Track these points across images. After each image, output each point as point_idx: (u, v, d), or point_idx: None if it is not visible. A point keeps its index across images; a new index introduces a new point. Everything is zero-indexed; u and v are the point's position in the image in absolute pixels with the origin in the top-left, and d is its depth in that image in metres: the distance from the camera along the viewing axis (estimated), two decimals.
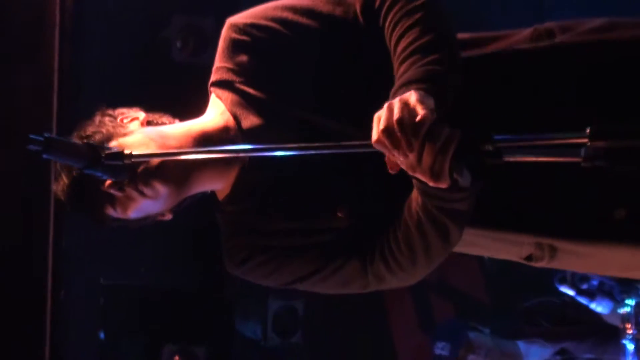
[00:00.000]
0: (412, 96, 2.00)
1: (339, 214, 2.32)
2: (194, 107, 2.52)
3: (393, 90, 2.11)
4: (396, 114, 1.96)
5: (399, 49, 2.20)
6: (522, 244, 2.41)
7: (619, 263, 2.42)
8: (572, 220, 2.30)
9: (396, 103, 1.99)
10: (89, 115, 2.46)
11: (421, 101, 1.98)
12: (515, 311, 5.95)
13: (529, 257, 2.43)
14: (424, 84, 2.06)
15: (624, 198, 2.26)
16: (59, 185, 2.39)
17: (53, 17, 4.39)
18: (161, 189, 2.32)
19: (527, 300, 5.90)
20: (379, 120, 1.99)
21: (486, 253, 2.64)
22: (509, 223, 2.34)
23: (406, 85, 2.08)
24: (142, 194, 2.30)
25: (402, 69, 2.15)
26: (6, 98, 4.31)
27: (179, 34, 5.37)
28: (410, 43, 2.18)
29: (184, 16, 5.39)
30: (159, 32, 5.44)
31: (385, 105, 2.01)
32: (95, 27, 5.07)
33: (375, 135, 1.98)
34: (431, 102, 2.02)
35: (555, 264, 2.44)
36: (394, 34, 2.24)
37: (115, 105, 2.50)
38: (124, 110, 2.48)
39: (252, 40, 2.38)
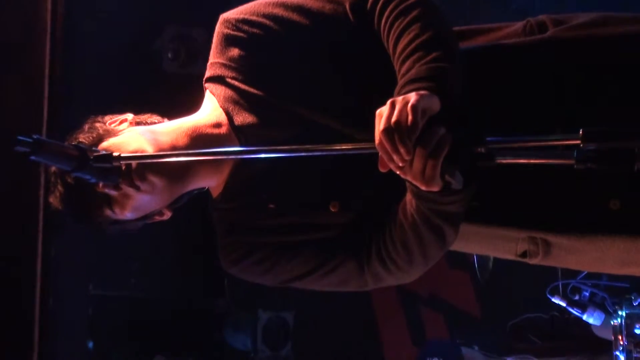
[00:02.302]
0: (412, 98, 1.99)
1: (332, 209, 2.31)
2: (186, 115, 2.50)
3: (397, 88, 2.10)
4: (395, 115, 1.96)
5: (400, 47, 2.19)
6: (516, 239, 2.40)
7: (615, 258, 2.38)
8: (566, 212, 2.29)
9: (398, 102, 1.98)
10: (79, 123, 2.46)
11: (419, 103, 1.97)
12: (505, 327, 5.94)
13: (523, 254, 2.42)
14: (429, 82, 2.06)
15: (618, 189, 2.24)
16: (55, 196, 2.38)
17: (44, 23, 4.38)
18: (157, 181, 2.30)
19: (517, 316, 5.89)
20: (381, 117, 1.98)
21: (481, 251, 2.63)
22: (502, 217, 2.33)
23: (410, 84, 2.07)
24: (138, 188, 2.28)
25: (404, 67, 2.14)
26: None
27: (170, 44, 5.37)
28: (411, 41, 2.17)
29: (176, 26, 5.39)
30: (151, 41, 5.44)
31: (388, 102, 2.00)
32: (87, 34, 5.06)
33: (377, 137, 1.97)
34: (435, 102, 2.02)
35: (550, 261, 2.42)
36: (392, 33, 2.23)
37: (105, 113, 2.50)
38: (112, 115, 2.47)
39: (245, 36, 2.38)
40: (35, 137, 2.04)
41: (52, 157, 2.10)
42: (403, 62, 2.16)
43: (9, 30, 4.36)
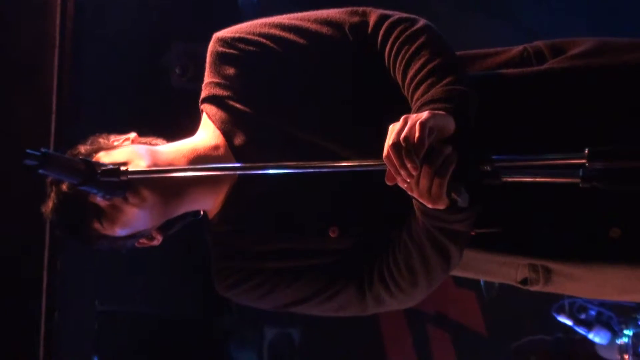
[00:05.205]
0: (424, 115, 1.99)
1: (331, 234, 2.29)
2: (192, 133, 2.48)
3: (413, 110, 2.10)
4: (405, 131, 1.96)
5: (410, 73, 2.19)
6: (516, 266, 2.39)
7: (615, 285, 2.39)
8: (567, 241, 2.27)
9: (410, 119, 1.99)
10: (86, 138, 2.45)
11: (429, 121, 1.97)
12: (509, 349, 5.92)
13: (524, 281, 2.41)
14: (446, 103, 2.06)
15: (619, 217, 2.23)
16: (47, 206, 2.36)
17: (52, 39, 4.39)
18: (148, 195, 2.28)
19: (524, 335, 5.86)
20: (392, 132, 1.98)
21: (482, 276, 2.62)
22: (501, 245, 2.31)
23: (427, 104, 2.07)
24: (126, 199, 2.26)
25: (419, 91, 2.14)
26: (4, 120, 4.30)
27: (178, 60, 5.37)
28: (422, 66, 2.17)
29: (184, 42, 5.39)
30: (159, 57, 5.44)
31: (402, 118, 2.00)
32: (95, 50, 5.06)
33: (385, 150, 1.97)
34: (450, 122, 2.02)
35: (551, 288, 2.42)
36: (400, 59, 2.23)
37: (113, 128, 2.49)
38: (117, 135, 2.46)
39: (240, 54, 2.36)
40: (43, 150, 2.04)
41: (59, 171, 2.11)
42: (417, 86, 2.15)
43: (17, 46, 4.37)
